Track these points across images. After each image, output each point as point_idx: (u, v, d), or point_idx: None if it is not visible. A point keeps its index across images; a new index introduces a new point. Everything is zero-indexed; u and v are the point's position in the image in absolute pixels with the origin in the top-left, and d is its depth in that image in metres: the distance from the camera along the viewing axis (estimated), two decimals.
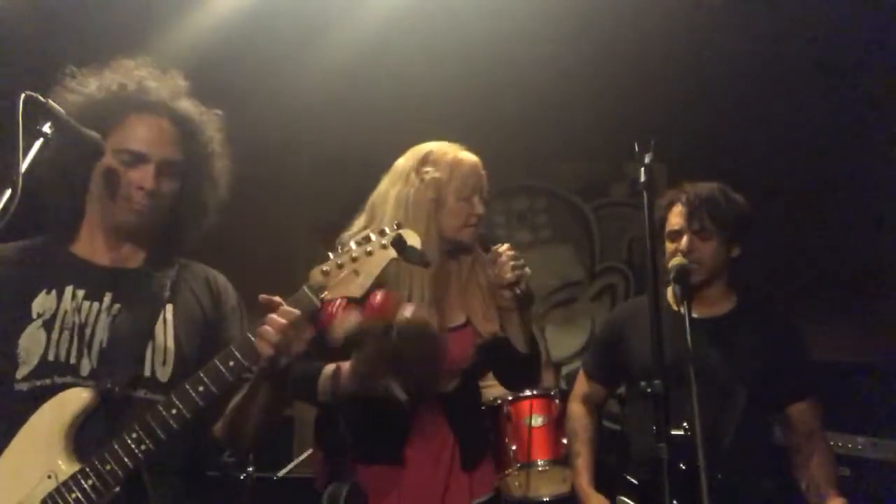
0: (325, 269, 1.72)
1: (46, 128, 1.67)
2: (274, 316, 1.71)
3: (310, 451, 3.76)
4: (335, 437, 2.39)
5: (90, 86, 1.93)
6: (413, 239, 1.74)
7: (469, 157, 2.42)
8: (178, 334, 1.90)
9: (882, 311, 4.82)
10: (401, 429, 2.31)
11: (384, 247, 1.71)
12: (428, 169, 2.37)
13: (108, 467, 1.71)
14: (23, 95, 1.64)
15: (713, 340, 2.58)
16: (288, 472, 4.04)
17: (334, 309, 2.01)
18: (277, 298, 1.75)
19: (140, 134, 1.89)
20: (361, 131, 5.10)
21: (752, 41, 4.52)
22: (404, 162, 2.44)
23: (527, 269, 2.31)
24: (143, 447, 1.71)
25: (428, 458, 2.33)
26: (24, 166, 1.60)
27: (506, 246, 2.35)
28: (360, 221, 2.42)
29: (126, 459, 1.71)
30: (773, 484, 2.59)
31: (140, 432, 1.71)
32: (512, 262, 2.30)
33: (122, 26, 3.80)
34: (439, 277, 2.37)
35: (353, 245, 1.73)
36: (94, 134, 1.80)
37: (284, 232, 5.05)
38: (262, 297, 1.75)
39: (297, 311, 1.71)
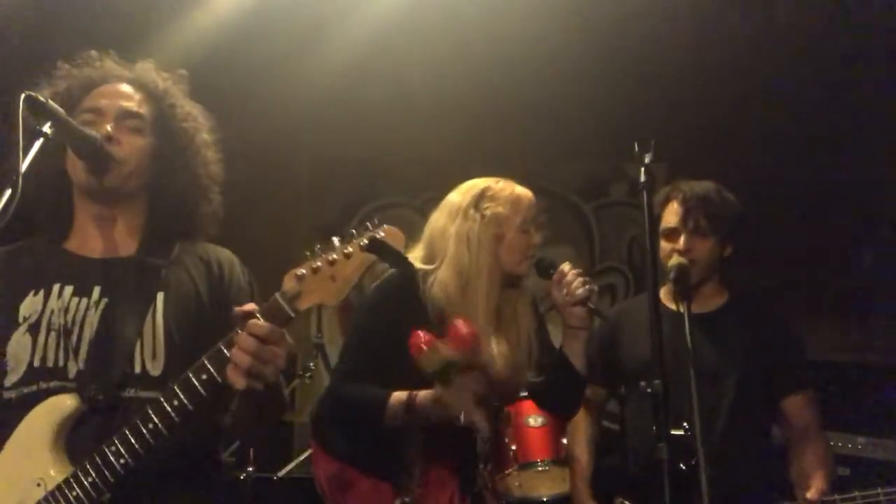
0: (299, 273, 1.55)
1: (46, 128, 1.66)
2: (244, 335, 1.54)
3: (310, 452, 3.76)
4: (344, 444, 2.39)
5: (61, 77, 1.95)
6: (395, 239, 1.56)
7: (525, 191, 2.45)
8: (169, 324, 1.79)
9: (882, 310, 4.81)
10: (423, 456, 2.32)
11: (363, 248, 1.53)
12: (488, 205, 2.38)
13: (90, 479, 1.63)
14: (23, 95, 1.63)
15: (704, 334, 2.58)
16: (288, 472, 4.04)
17: (421, 342, 1.98)
18: (251, 306, 1.59)
19: (99, 95, 1.90)
20: (361, 131, 5.11)
21: (752, 42, 4.53)
22: (460, 198, 2.43)
23: (594, 286, 2.32)
24: (122, 461, 1.62)
25: (436, 485, 2.35)
26: (24, 166, 1.59)
27: (568, 265, 2.34)
28: (416, 255, 2.41)
29: (106, 472, 1.63)
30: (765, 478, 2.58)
31: (119, 446, 1.63)
32: (580, 279, 2.30)
33: (122, 26, 3.80)
34: (500, 311, 2.38)
35: (335, 242, 1.55)
36: (93, 133, 1.78)
37: (284, 232, 5.05)
38: (237, 310, 1.60)
39: (268, 326, 1.54)
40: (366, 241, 1.53)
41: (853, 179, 4.95)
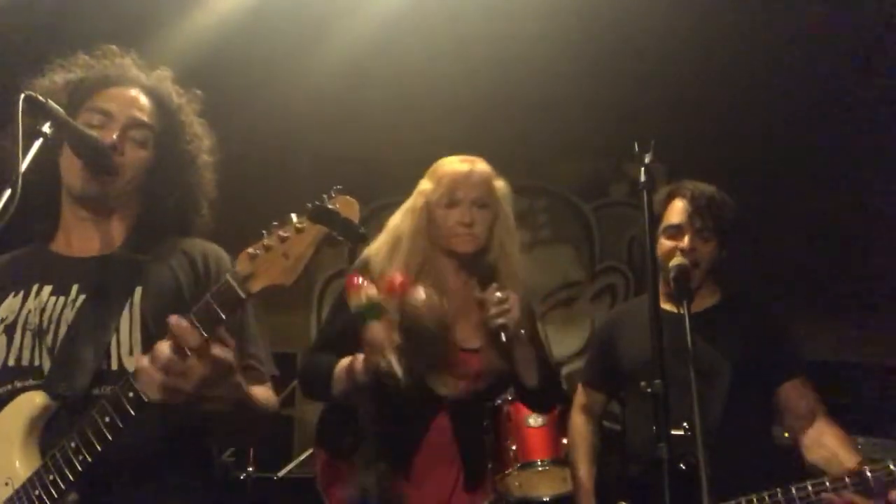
0: (251, 251, 1.47)
1: (46, 128, 1.64)
2: (161, 344, 1.46)
3: (310, 451, 3.76)
4: (340, 439, 2.39)
5: (77, 66, 1.94)
6: (348, 209, 1.46)
7: (460, 166, 2.41)
8: (146, 319, 1.75)
9: (882, 310, 4.81)
10: (410, 443, 2.32)
11: (310, 218, 1.45)
12: (423, 180, 2.43)
13: (50, 477, 1.58)
14: (22, 95, 1.62)
15: (699, 332, 2.55)
16: (288, 472, 4.04)
17: (353, 281, 1.99)
18: (183, 324, 1.46)
19: (112, 97, 1.87)
20: (361, 131, 5.11)
21: (752, 42, 4.53)
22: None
23: (513, 315, 2.18)
24: (80, 458, 1.56)
25: (433, 476, 2.35)
26: (23, 166, 1.58)
27: (492, 288, 2.23)
28: (382, 237, 2.42)
29: (66, 470, 1.57)
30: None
31: (77, 442, 1.57)
32: (495, 309, 2.17)
33: (122, 26, 3.79)
34: (455, 292, 2.36)
35: (293, 218, 1.47)
36: (93, 134, 1.77)
37: None
38: (172, 317, 1.47)
39: (191, 334, 1.45)
40: (312, 211, 1.44)
41: (853, 179, 4.95)
